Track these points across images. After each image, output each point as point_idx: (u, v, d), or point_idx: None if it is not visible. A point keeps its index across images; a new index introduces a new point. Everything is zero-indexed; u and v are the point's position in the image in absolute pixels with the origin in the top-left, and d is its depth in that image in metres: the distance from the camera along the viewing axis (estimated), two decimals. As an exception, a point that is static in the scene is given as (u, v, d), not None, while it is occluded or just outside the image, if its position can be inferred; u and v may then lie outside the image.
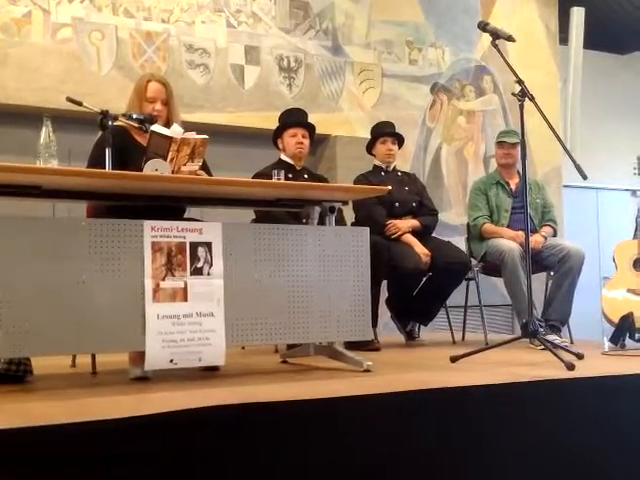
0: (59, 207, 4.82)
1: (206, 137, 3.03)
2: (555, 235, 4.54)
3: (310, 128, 4.33)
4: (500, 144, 4.64)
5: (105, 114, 3.06)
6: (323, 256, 3.15)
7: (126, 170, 2.91)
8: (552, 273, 4.38)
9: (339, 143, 6.31)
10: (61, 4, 5.37)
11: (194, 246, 2.86)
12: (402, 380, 2.84)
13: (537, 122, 3.55)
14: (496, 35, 3.49)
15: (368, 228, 3.35)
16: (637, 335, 4.20)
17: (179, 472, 2.00)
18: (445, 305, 4.57)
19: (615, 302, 4.41)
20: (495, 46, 3.48)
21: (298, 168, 4.27)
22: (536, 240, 4.30)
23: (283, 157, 4.30)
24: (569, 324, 4.42)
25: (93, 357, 3.20)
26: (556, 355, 3.09)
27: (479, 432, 2.46)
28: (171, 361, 2.77)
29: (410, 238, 4.40)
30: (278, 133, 4.32)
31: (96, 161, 3.12)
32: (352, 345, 3.73)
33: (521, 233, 4.10)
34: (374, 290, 3.43)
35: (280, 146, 4.32)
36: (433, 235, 4.62)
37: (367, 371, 3.06)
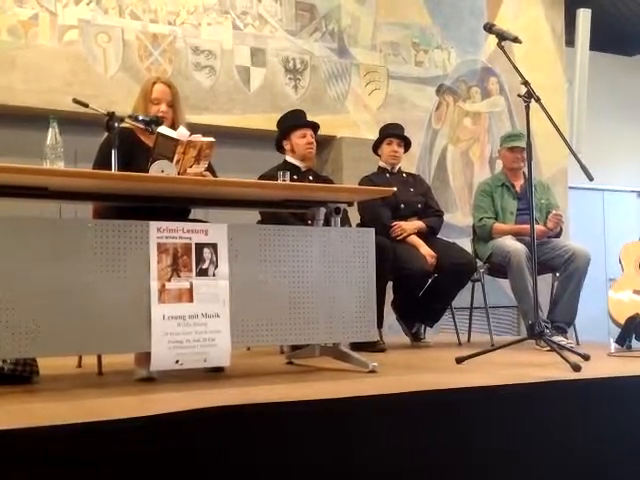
0: (65, 208, 4.83)
1: (213, 140, 3.03)
2: (560, 234, 4.52)
3: (317, 128, 4.33)
4: (512, 149, 4.60)
5: (111, 116, 3.07)
6: (328, 257, 3.15)
7: (132, 171, 2.91)
8: (558, 274, 4.37)
9: (344, 144, 6.31)
10: (68, 6, 5.39)
11: (200, 247, 2.86)
12: (408, 381, 2.84)
13: (543, 123, 3.54)
14: (502, 37, 3.49)
15: (373, 229, 3.35)
16: (643, 336, 4.19)
17: (184, 472, 2.01)
18: (451, 306, 4.57)
19: (621, 303, 4.40)
20: (501, 48, 3.48)
21: (303, 170, 4.27)
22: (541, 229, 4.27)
23: (288, 159, 4.29)
24: (575, 325, 4.41)
25: (99, 358, 3.21)
26: (562, 356, 3.08)
27: (485, 433, 2.46)
28: (177, 362, 2.77)
29: (415, 239, 4.40)
30: (284, 135, 4.32)
31: (102, 162, 3.14)
32: (357, 346, 3.73)
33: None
34: (379, 291, 3.42)
35: (286, 148, 4.31)
36: (438, 236, 4.61)
37: (372, 372, 3.06)
